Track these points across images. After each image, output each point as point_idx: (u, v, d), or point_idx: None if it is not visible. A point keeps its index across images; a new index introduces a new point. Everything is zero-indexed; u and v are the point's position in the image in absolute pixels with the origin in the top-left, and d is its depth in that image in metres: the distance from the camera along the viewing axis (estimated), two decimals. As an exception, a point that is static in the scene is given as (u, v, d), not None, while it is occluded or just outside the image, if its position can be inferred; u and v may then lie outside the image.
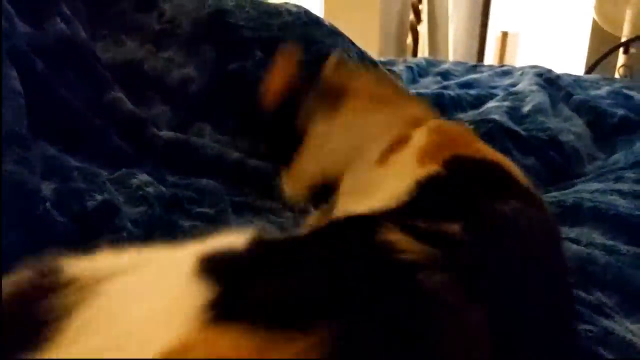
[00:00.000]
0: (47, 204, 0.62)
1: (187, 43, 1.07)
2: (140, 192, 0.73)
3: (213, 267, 0.31)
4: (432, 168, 0.52)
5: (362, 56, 1.27)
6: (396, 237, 0.37)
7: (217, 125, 1.01)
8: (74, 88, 0.85)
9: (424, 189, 0.50)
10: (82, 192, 0.67)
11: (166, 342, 0.26)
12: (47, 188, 0.65)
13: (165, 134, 0.92)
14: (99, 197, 0.66)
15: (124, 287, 0.31)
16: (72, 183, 0.68)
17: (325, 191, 0.66)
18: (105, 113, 0.88)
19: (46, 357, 0.27)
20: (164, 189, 0.76)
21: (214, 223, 0.73)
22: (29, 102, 0.67)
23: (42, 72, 0.79)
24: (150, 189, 0.74)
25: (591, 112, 1.29)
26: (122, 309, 0.29)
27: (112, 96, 0.90)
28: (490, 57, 3.19)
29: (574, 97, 1.36)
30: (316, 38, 1.12)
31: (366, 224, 0.41)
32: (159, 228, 0.67)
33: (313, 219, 0.71)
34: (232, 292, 0.30)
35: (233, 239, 0.36)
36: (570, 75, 1.64)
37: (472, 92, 1.45)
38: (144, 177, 0.76)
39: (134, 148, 0.86)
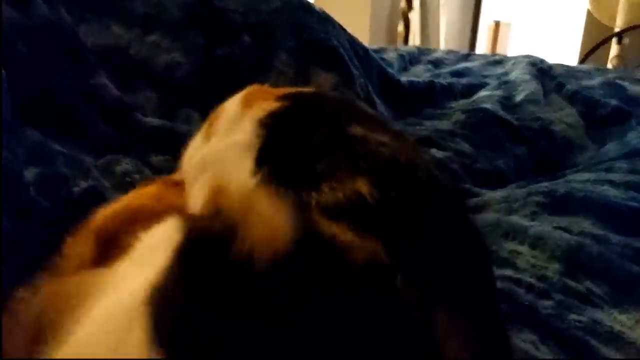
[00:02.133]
0: (31, 189, 0.60)
1: (174, 27, 1.05)
2: (127, 179, 0.71)
3: None
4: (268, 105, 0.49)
5: (353, 43, 1.26)
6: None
7: (205, 111, 0.99)
8: (58, 73, 0.83)
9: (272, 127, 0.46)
10: (67, 178, 0.66)
11: None
12: (30, 173, 0.63)
13: (151, 120, 0.90)
14: (84, 184, 0.65)
15: None
16: (57, 169, 0.66)
17: None
18: (90, 99, 0.86)
19: None
20: (150, 174, 0.74)
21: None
22: (11, 87, 0.66)
23: (26, 56, 0.77)
24: (136, 176, 0.72)
25: (583, 103, 1.28)
26: None
27: (97, 81, 0.89)
28: (482, 47, 3.18)
29: (567, 87, 1.36)
30: (306, 24, 1.11)
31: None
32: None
33: None
34: None
35: None
36: (563, 65, 1.63)
37: (464, 81, 1.44)
38: (130, 163, 0.75)
39: (119, 134, 0.85)
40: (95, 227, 0.48)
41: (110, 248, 0.45)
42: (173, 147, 0.88)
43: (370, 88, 1.20)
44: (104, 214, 0.49)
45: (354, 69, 1.17)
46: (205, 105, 1.03)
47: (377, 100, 1.19)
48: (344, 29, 1.25)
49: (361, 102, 1.09)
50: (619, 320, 0.55)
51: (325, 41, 1.15)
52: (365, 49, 1.30)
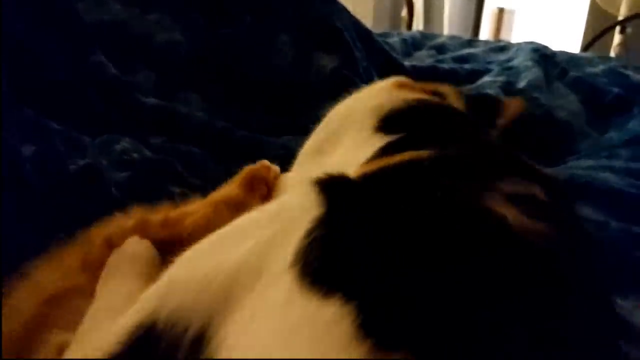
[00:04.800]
0: (27, 166, 0.60)
1: (174, 6, 1.04)
2: (125, 157, 0.71)
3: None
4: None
5: (356, 25, 1.25)
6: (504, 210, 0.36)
7: (204, 92, 0.98)
8: (55, 51, 0.82)
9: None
10: (64, 155, 0.65)
11: None
12: (26, 150, 0.63)
13: (150, 100, 0.89)
14: (80, 161, 0.64)
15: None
16: (53, 146, 0.66)
17: None
18: (87, 77, 0.85)
19: None
20: (149, 153, 0.74)
21: (200, 190, 0.71)
22: (6, 64, 0.65)
23: (21, 33, 0.76)
24: (135, 154, 0.72)
25: (586, 90, 1.27)
26: None
27: (95, 59, 0.87)
28: (486, 33, 3.16)
29: (570, 74, 1.35)
30: (310, 4, 1.09)
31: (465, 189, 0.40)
32: (144, 193, 0.66)
33: None
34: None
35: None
36: (566, 52, 1.61)
37: (467, 66, 1.43)
38: (128, 142, 0.74)
39: (117, 114, 0.84)
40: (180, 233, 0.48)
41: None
42: (172, 128, 0.88)
43: (373, 72, 1.19)
44: (193, 221, 0.49)
45: (357, 52, 1.16)
46: (204, 86, 1.02)
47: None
48: (347, 11, 1.23)
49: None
50: (619, 305, 0.55)
51: (328, 22, 1.13)
52: (368, 32, 1.29)
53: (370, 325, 0.28)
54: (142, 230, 0.48)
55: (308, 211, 0.35)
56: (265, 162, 0.50)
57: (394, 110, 0.57)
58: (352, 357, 0.27)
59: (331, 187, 0.38)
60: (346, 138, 0.59)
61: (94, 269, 0.45)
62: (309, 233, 0.34)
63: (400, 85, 0.64)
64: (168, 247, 0.46)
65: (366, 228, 0.34)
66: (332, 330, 0.28)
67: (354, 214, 0.36)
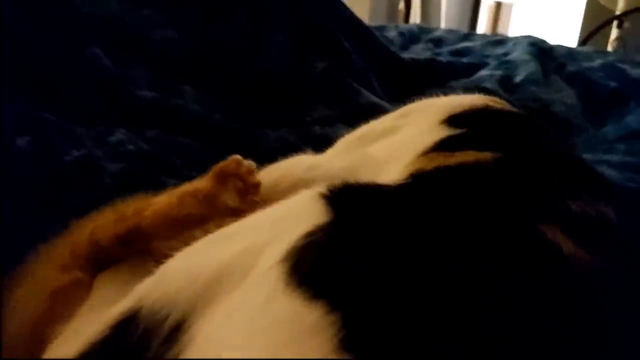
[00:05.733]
0: (22, 156, 0.59)
1: (168, 1, 1.03)
2: (120, 149, 0.70)
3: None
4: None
5: (355, 21, 1.24)
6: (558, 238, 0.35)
7: (199, 87, 0.98)
8: (50, 41, 0.81)
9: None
10: (59, 146, 0.65)
11: None
12: (21, 142, 0.62)
13: (146, 93, 0.88)
14: (76, 153, 0.64)
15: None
16: (48, 137, 0.65)
17: None
18: (82, 69, 0.84)
19: None
20: (144, 145, 0.73)
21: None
22: (1, 54, 0.64)
23: (16, 23, 0.75)
24: (130, 146, 0.71)
25: (583, 84, 1.27)
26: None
27: (90, 52, 0.87)
28: (483, 27, 3.15)
29: (567, 68, 1.35)
30: (306, 4, 1.09)
31: (519, 210, 0.37)
32: (140, 185, 0.65)
33: None
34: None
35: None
36: (564, 46, 1.61)
37: (465, 60, 1.43)
38: (123, 133, 0.74)
39: (112, 106, 0.83)
40: (137, 223, 0.47)
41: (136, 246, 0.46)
42: (168, 121, 0.87)
43: (370, 72, 1.19)
44: (153, 210, 0.48)
45: (353, 53, 1.16)
46: (200, 80, 1.01)
47: (376, 86, 1.17)
48: (345, 6, 1.22)
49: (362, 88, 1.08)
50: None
51: (324, 23, 1.13)
52: (367, 28, 1.29)
53: (353, 340, 0.26)
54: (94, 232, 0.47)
55: (312, 218, 0.34)
56: (237, 156, 0.50)
57: (464, 111, 0.56)
58: None
59: (343, 198, 0.36)
60: (406, 128, 0.58)
61: (85, 263, 0.45)
62: (307, 235, 0.32)
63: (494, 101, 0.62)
64: (132, 239, 0.46)
65: (375, 243, 0.32)
66: (312, 336, 0.27)
67: (363, 228, 0.34)
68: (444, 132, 0.52)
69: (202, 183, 0.49)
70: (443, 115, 0.55)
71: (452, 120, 0.53)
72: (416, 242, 0.33)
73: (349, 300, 0.28)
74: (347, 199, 0.36)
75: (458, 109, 0.56)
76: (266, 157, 0.83)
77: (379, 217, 0.35)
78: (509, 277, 0.32)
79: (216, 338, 0.29)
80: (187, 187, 0.49)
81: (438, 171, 0.45)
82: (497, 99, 0.64)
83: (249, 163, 0.50)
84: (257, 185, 0.49)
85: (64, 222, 0.50)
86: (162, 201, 0.48)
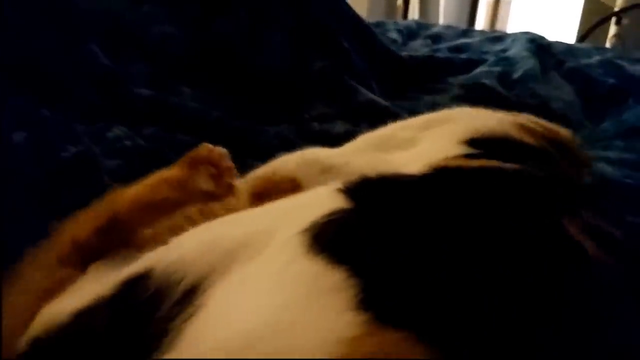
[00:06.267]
0: (18, 152, 0.59)
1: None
2: (118, 145, 0.70)
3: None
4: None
5: (355, 19, 1.24)
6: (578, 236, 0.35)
7: (199, 84, 0.97)
8: (47, 39, 0.81)
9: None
10: (56, 142, 0.64)
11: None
12: (18, 137, 0.62)
13: (144, 92, 0.88)
14: (72, 149, 0.64)
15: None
16: (45, 133, 0.65)
17: None
18: (79, 67, 0.84)
19: None
20: (142, 142, 0.73)
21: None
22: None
23: (13, 20, 0.75)
24: (127, 142, 0.71)
25: (581, 81, 1.27)
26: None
27: (87, 50, 0.86)
28: (481, 23, 3.15)
29: (565, 65, 1.35)
30: (307, 2, 1.08)
31: (544, 209, 0.38)
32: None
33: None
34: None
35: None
36: (562, 43, 1.61)
37: (463, 56, 1.43)
38: (121, 129, 0.73)
39: (109, 104, 0.83)
40: (113, 211, 0.47)
41: (117, 236, 0.45)
42: (166, 118, 0.87)
43: (369, 72, 1.18)
44: (127, 198, 0.48)
45: (353, 52, 1.16)
46: (198, 79, 1.01)
47: (374, 84, 1.17)
48: (348, 5, 1.22)
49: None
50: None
51: (324, 23, 1.13)
52: (366, 25, 1.28)
53: (372, 302, 0.27)
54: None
55: (332, 205, 0.34)
56: (207, 144, 0.51)
57: (487, 135, 0.56)
58: (347, 325, 0.26)
59: (361, 190, 0.37)
60: (425, 143, 0.58)
61: (72, 263, 0.45)
62: (328, 215, 0.33)
63: (522, 127, 0.61)
64: (111, 230, 0.46)
65: (394, 222, 0.33)
66: (332, 294, 0.27)
67: (382, 210, 0.34)
68: (463, 150, 0.52)
69: (174, 170, 0.50)
70: (463, 136, 0.55)
71: (471, 142, 0.53)
72: (433, 222, 0.33)
73: (370, 269, 0.29)
74: (366, 191, 0.37)
75: (480, 132, 0.56)
76: (265, 154, 0.83)
77: (399, 201, 0.36)
78: (521, 262, 0.32)
79: (233, 296, 0.29)
80: (159, 174, 0.50)
81: (460, 168, 0.45)
82: (531, 121, 0.64)
83: (220, 149, 0.51)
84: (230, 168, 0.50)
85: (62, 218, 0.50)
86: (136, 189, 0.48)
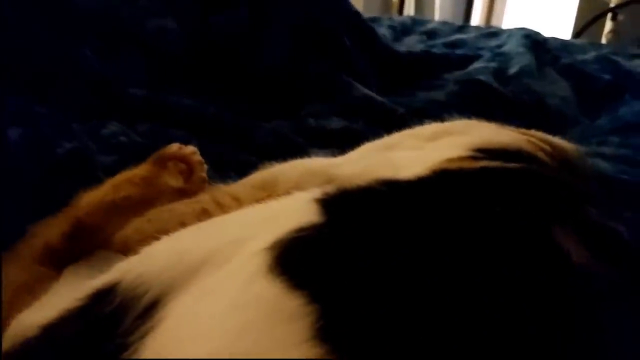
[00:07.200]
0: (13, 148, 0.59)
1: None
2: (113, 141, 0.70)
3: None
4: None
5: (355, 17, 1.24)
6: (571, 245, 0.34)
7: (196, 80, 0.97)
8: (43, 34, 0.80)
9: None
10: (51, 138, 0.64)
11: None
12: (12, 134, 0.61)
13: (139, 92, 0.88)
14: (67, 145, 0.63)
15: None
16: (40, 129, 0.64)
17: None
18: (76, 62, 0.83)
19: None
20: (138, 138, 0.73)
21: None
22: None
23: (8, 15, 0.74)
24: (123, 138, 0.70)
25: (577, 77, 1.27)
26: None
27: (84, 45, 0.86)
28: (477, 19, 3.15)
29: (561, 61, 1.35)
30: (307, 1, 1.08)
31: (535, 216, 0.37)
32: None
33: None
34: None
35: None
36: (558, 39, 1.61)
37: (459, 52, 1.42)
38: (116, 126, 0.73)
39: (105, 99, 0.82)
40: (76, 216, 0.47)
41: (86, 239, 0.45)
42: (162, 114, 0.86)
43: (368, 69, 1.18)
44: (89, 201, 0.48)
45: (353, 51, 1.15)
46: (195, 75, 1.00)
47: (372, 81, 1.17)
48: (350, 3, 1.22)
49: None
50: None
51: (324, 21, 1.12)
52: (365, 22, 1.28)
53: (331, 331, 0.26)
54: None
55: (303, 218, 0.33)
56: (175, 144, 0.51)
57: (500, 147, 0.54)
58: (303, 356, 0.25)
59: (337, 202, 0.36)
60: (430, 150, 0.57)
61: (47, 265, 0.45)
62: (296, 231, 0.32)
63: (534, 145, 0.61)
64: (77, 234, 0.46)
65: (363, 245, 0.32)
66: (290, 320, 0.26)
67: (352, 230, 0.33)
68: (468, 154, 0.51)
69: (139, 168, 0.50)
70: (472, 146, 0.53)
71: (479, 150, 0.52)
72: (405, 243, 0.32)
73: (330, 296, 0.28)
74: (343, 203, 0.36)
75: (492, 144, 0.54)
76: (260, 149, 0.83)
77: (375, 216, 0.35)
78: (502, 272, 0.31)
79: (190, 313, 0.29)
80: (124, 174, 0.50)
81: (461, 169, 0.45)
82: (541, 139, 0.63)
83: (189, 148, 0.51)
84: (201, 162, 0.50)
85: (56, 214, 0.50)
86: (99, 190, 0.48)
